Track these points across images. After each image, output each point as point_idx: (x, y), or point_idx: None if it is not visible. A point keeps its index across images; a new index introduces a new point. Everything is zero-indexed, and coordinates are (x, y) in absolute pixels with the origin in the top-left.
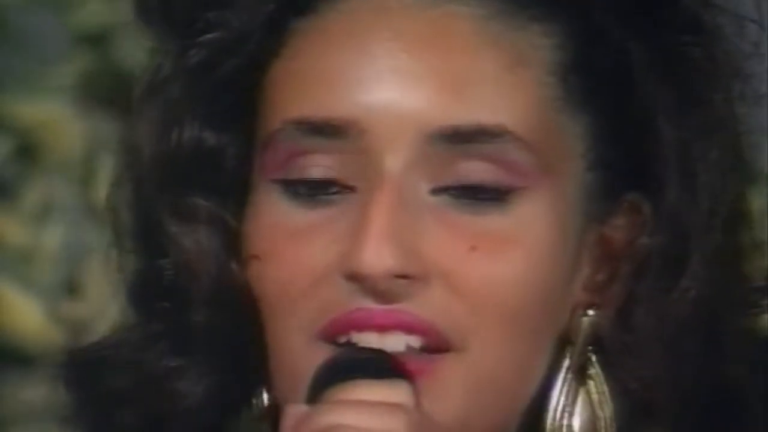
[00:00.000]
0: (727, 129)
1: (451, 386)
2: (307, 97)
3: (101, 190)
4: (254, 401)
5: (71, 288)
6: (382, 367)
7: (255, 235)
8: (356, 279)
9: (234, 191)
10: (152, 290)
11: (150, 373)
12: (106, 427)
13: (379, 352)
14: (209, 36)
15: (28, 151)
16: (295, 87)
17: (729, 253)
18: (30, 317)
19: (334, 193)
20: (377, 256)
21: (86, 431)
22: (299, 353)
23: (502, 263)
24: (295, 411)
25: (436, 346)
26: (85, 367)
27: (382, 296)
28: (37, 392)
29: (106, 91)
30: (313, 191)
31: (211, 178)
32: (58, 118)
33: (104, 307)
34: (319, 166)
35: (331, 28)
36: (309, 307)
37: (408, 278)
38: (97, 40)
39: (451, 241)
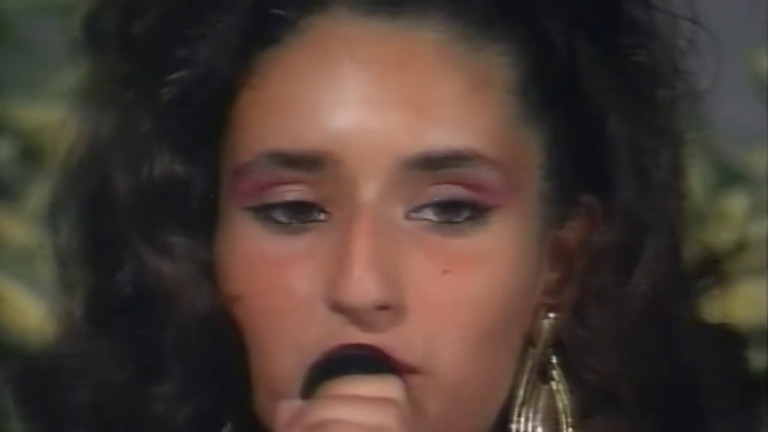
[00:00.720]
0: (674, 126)
1: (424, 402)
2: (279, 128)
3: None
4: (229, 423)
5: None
6: (374, 363)
7: (234, 264)
8: (342, 310)
9: (203, 220)
10: (112, 312)
11: (124, 394)
12: None
13: (371, 349)
14: (179, 74)
15: (31, 153)
16: (265, 117)
17: (677, 246)
18: (32, 315)
19: (310, 221)
20: (362, 288)
21: None
22: (289, 382)
23: (472, 283)
24: (289, 406)
25: (410, 370)
26: (39, 380)
27: (366, 325)
28: None
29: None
30: (288, 218)
31: (182, 208)
32: (60, 122)
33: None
34: (293, 191)
35: (298, 57)
36: (299, 340)
37: (388, 308)
38: None
39: (425, 265)
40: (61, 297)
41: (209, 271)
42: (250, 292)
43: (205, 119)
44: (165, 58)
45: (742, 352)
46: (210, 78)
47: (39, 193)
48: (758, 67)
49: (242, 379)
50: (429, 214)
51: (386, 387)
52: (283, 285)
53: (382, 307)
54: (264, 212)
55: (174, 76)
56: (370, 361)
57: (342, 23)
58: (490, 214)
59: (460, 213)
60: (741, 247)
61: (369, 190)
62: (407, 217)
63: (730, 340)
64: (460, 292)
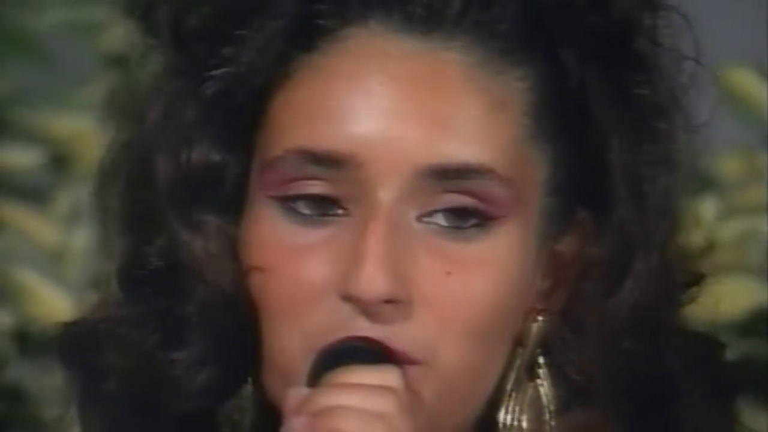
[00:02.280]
0: (671, 156)
1: (421, 393)
2: (309, 128)
3: None
4: (242, 391)
5: (97, 283)
6: (375, 354)
7: (257, 248)
8: (352, 300)
9: (234, 203)
10: (144, 283)
11: (149, 358)
12: (95, 401)
13: (373, 341)
14: (223, 70)
15: (60, 161)
16: (298, 117)
17: (665, 264)
18: (61, 309)
19: (329, 215)
20: (373, 282)
21: (78, 403)
22: (296, 363)
23: (472, 286)
24: (297, 393)
25: (410, 362)
26: (80, 341)
27: (373, 317)
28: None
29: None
30: (311, 210)
31: (216, 191)
32: (87, 132)
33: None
34: (316, 186)
35: (334, 65)
36: (309, 323)
37: (395, 302)
38: (121, 62)
39: (432, 265)
40: (87, 291)
41: (236, 251)
42: (268, 274)
43: (243, 113)
44: (212, 54)
45: (722, 358)
46: (251, 76)
47: (66, 197)
48: (727, 82)
49: (255, 356)
50: (439, 219)
51: (387, 377)
52: (298, 272)
53: (389, 301)
54: (288, 203)
55: (218, 72)
56: (372, 353)
57: (377, 37)
58: (495, 224)
59: (467, 220)
60: (711, 247)
61: (386, 194)
62: (419, 220)
63: (711, 347)
64: (462, 292)
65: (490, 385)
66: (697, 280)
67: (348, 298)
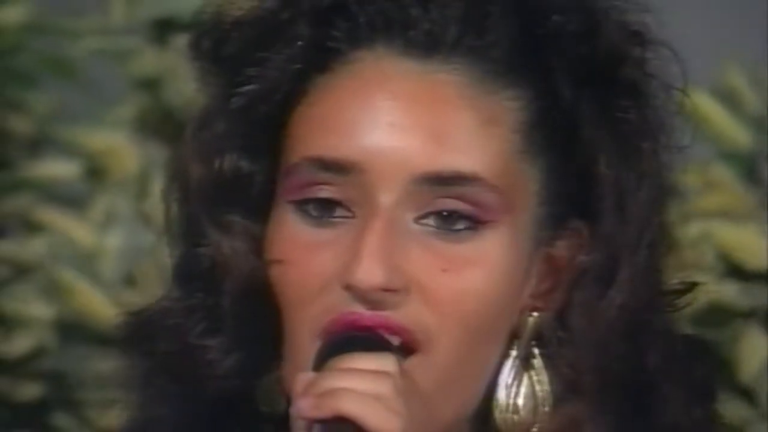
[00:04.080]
0: (654, 173)
1: (420, 383)
2: (322, 139)
3: (152, 203)
4: (271, 371)
5: (129, 280)
6: (374, 343)
7: (276, 244)
8: (351, 289)
9: (260, 207)
10: (194, 279)
11: (188, 344)
12: (149, 383)
13: (371, 331)
14: (248, 87)
15: (95, 172)
16: (313, 130)
17: (650, 269)
18: (96, 303)
19: (337, 217)
20: (369, 273)
21: (135, 385)
22: (304, 345)
23: (466, 281)
24: (304, 377)
25: (409, 346)
26: (136, 329)
27: (371, 304)
28: (100, 364)
29: (157, 125)
30: (321, 213)
31: (244, 197)
32: (119, 146)
33: (155, 295)
34: (325, 190)
35: (344, 84)
36: (315, 308)
37: (391, 291)
38: (150, 84)
39: (428, 262)
40: (120, 288)
41: (261, 249)
42: (284, 267)
43: (267, 126)
44: (239, 74)
45: (707, 355)
46: (272, 93)
47: (101, 204)
48: (688, 105)
49: (277, 344)
50: (433, 221)
51: (383, 362)
52: (308, 266)
53: (386, 290)
54: (301, 206)
55: (244, 89)
56: (371, 342)
57: (382, 60)
58: (484, 228)
59: (459, 223)
60: (673, 248)
61: (385, 197)
62: (415, 222)
63: (698, 346)
64: (455, 287)
65: (487, 375)
66: (689, 287)
67: (348, 287)
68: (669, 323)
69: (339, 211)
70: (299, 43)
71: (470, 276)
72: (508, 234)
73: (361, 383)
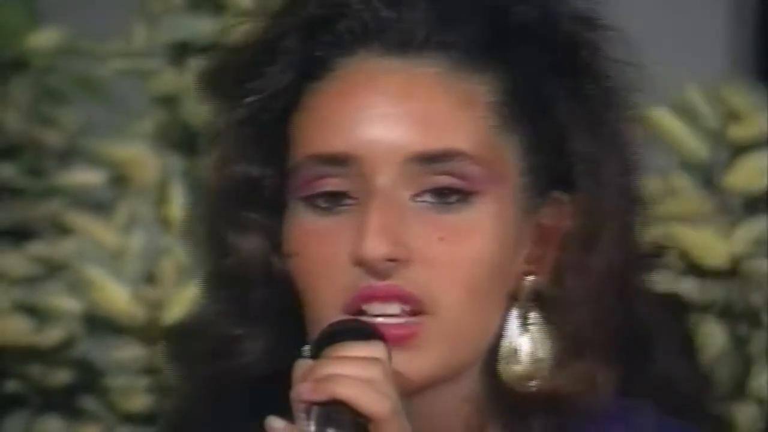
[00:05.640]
0: (620, 143)
1: (431, 340)
2: (320, 138)
3: (171, 208)
4: (299, 356)
5: (149, 277)
6: (365, 332)
7: (292, 238)
8: (362, 264)
9: (273, 207)
10: (219, 280)
11: (220, 338)
12: (190, 379)
13: (362, 323)
14: (249, 99)
15: (119, 180)
16: (311, 131)
17: (628, 231)
18: (120, 299)
19: (343, 206)
20: (375, 245)
21: (177, 382)
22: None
23: (461, 247)
24: (303, 364)
25: (417, 309)
26: (177, 335)
27: (380, 274)
28: (124, 353)
29: (175, 138)
30: (329, 204)
31: (257, 199)
32: (141, 157)
33: (173, 291)
34: (329, 184)
35: (334, 88)
36: (334, 289)
37: (396, 261)
38: (169, 101)
39: (426, 233)
40: (142, 285)
41: (278, 245)
42: (300, 257)
43: (271, 134)
44: (240, 88)
45: (684, 313)
46: (272, 102)
47: (125, 209)
48: (650, 120)
49: (300, 328)
50: (428, 197)
51: (374, 350)
52: (321, 252)
53: (391, 260)
54: (310, 201)
55: (245, 101)
56: (362, 332)
57: (365, 62)
58: (473, 198)
59: (451, 196)
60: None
61: (383, 180)
62: (412, 199)
63: (675, 305)
64: (452, 254)
65: (489, 333)
66: (658, 251)
67: (357, 262)
68: (648, 282)
69: (345, 201)
70: (289, 56)
71: (465, 242)
72: (496, 203)
73: (354, 369)
